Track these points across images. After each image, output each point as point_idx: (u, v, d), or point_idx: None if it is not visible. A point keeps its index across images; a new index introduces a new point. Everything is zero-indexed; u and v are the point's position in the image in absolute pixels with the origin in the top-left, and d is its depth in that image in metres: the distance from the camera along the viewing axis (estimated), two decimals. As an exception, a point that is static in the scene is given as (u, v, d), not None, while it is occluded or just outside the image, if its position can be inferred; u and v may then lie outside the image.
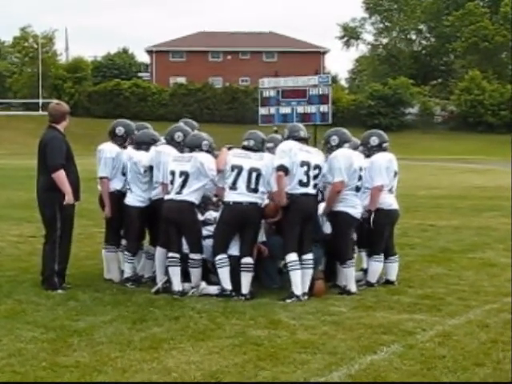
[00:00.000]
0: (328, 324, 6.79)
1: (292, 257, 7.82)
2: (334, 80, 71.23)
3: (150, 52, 73.89)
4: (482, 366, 5.61)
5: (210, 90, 66.66)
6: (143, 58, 78.72)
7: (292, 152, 7.87)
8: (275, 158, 7.92)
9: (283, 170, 7.79)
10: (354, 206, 8.19)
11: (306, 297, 7.82)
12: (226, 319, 6.92)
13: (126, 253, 8.66)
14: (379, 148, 8.63)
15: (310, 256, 7.94)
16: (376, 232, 8.50)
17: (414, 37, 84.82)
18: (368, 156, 8.56)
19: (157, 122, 19.96)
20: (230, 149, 8.36)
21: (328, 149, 8.37)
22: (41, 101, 64.04)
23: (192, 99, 65.48)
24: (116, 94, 66.35)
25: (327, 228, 8.41)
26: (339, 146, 8.28)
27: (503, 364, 5.68)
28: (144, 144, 8.65)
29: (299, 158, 7.88)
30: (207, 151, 8.19)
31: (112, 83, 67.01)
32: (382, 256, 8.56)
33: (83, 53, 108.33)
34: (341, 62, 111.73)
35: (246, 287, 7.87)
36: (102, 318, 6.95)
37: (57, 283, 8.11)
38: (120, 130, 8.90)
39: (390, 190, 8.59)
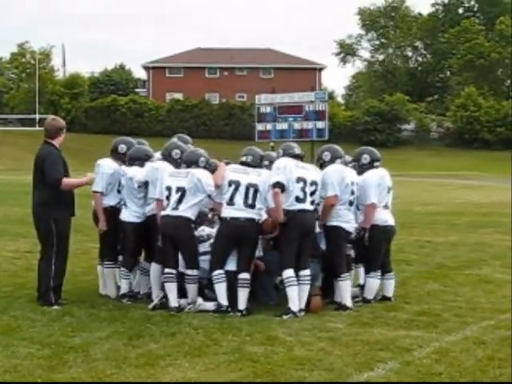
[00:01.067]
0: (325, 340, 6.77)
1: (289, 273, 7.81)
2: (331, 96, 71.43)
3: (146, 68, 74.07)
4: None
5: (206, 106, 66.76)
6: (140, 73, 78.96)
7: (287, 169, 7.89)
8: (271, 175, 7.93)
9: (279, 186, 7.80)
10: (347, 220, 8.23)
11: (302, 313, 7.81)
12: (223, 335, 6.90)
13: (122, 269, 8.64)
14: (371, 166, 8.64)
15: (307, 272, 7.93)
16: (372, 248, 8.50)
17: (410, 53, 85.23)
18: (360, 173, 8.58)
19: (153, 138, 19.99)
20: (227, 164, 8.38)
21: (320, 164, 8.44)
22: (38, 116, 64.08)
23: (188, 115, 65.57)
24: (113, 109, 66.42)
25: (324, 243, 8.42)
26: (331, 161, 8.36)
27: (500, 381, 5.66)
28: (138, 160, 8.65)
29: (295, 174, 7.90)
30: (204, 167, 8.20)
31: (109, 99, 67.09)
32: (378, 272, 8.55)
33: (80, 69, 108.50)
34: (337, 79, 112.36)
35: (242, 303, 7.86)
36: (98, 334, 6.92)
37: (52, 299, 8.08)
38: (122, 148, 8.91)
39: (385, 206, 8.59)
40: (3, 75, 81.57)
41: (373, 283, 8.54)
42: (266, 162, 8.61)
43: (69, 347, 6.46)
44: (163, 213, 8.09)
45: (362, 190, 8.43)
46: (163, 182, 8.19)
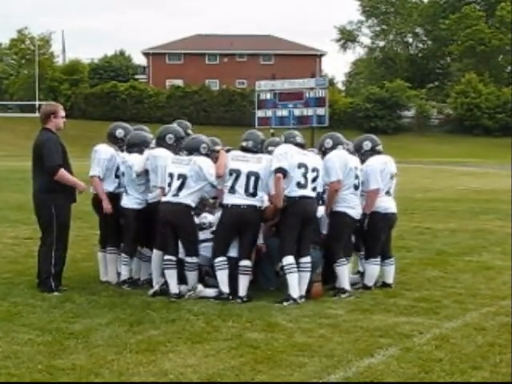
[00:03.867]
0: (325, 327, 6.77)
1: (289, 259, 7.80)
2: (331, 83, 71.28)
3: (146, 54, 73.90)
4: (479, 369, 5.60)
5: (206, 92, 66.64)
6: (140, 60, 78.75)
7: (288, 154, 7.87)
8: (273, 161, 7.91)
9: (282, 172, 7.78)
10: (353, 206, 8.22)
11: (303, 300, 7.81)
12: (223, 322, 6.91)
13: (122, 255, 8.64)
14: (373, 152, 8.63)
15: (307, 259, 7.91)
16: (372, 235, 8.51)
17: (410, 40, 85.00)
18: (362, 161, 8.56)
19: (153, 124, 19.92)
20: (228, 151, 8.34)
21: (322, 152, 8.42)
22: (37, 103, 63.97)
23: (188, 102, 65.46)
24: (113, 96, 66.32)
25: (325, 229, 8.41)
26: (333, 148, 8.35)
27: (500, 367, 5.67)
28: (135, 146, 8.61)
29: (296, 160, 7.87)
30: (206, 154, 8.17)
31: (109, 85, 66.97)
32: (378, 259, 8.55)
33: (80, 55, 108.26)
34: (338, 65, 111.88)
35: (243, 290, 7.86)
36: (99, 320, 6.93)
37: (53, 285, 8.08)
38: (120, 133, 8.90)
39: (388, 193, 8.58)
40: (3, 61, 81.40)
41: (373, 270, 8.54)
42: (272, 148, 8.55)
43: (69, 333, 6.47)
44: (163, 199, 8.08)
45: (365, 176, 8.42)
46: (165, 170, 8.18)
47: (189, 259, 8.07)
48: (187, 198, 7.99)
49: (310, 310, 7.45)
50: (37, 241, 8.78)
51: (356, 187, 8.27)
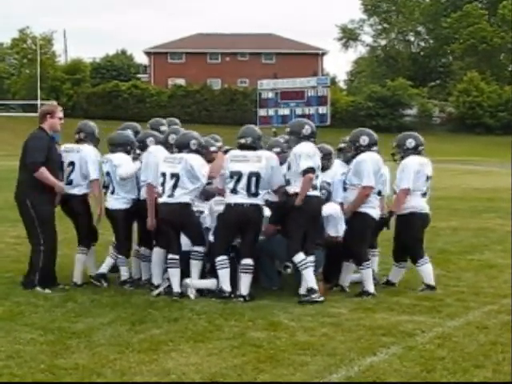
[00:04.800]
0: (327, 325, 6.77)
1: (301, 256, 7.75)
2: (333, 81, 71.19)
3: (148, 53, 73.84)
4: (481, 368, 5.60)
5: (208, 91, 66.61)
6: (142, 59, 78.69)
7: (316, 156, 7.86)
8: (300, 159, 7.78)
9: (313, 172, 7.74)
10: (374, 206, 8.21)
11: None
12: (225, 321, 6.90)
13: (119, 256, 8.60)
14: (415, 151, 8.54)
15: (312, 258, 7.89)
16: (412, 236, 8.45)
17: (412, 38, 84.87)
18: (402, 158, 8.51)
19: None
20: (226, 152, 8.29)
21: (356, 148, 8.30)
22: (39, 102, 63.94)
23: (190, 101, 65.42)
24: (114, 95, 66.28)
25: (330, 230, 8.36)
26: (369, 146, 8.26)
27: (502, 366, 5.66)
28: (119, 146, 8.55)
29: (318, 162, 7.90)
30: (196, 150, 8.07)
31: (110, 85, 66.93)
32: (426, 257, 8.47)
33: (82, 54, 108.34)
34: (339, 64, 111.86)
35: (245, 289, 7.85)
36: (101, 319, 6.93)
37: (35, 281, 8.10)
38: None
39: (424, 194, 8.50)
40: (4, 61, 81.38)
41: (427, 269, 8.43)
42: (277, 149, 8.50)
43: (71, 333, 6.47)
44: (160, 200, 8.04)
45: (399, 173, 8.38)
46: (155, 168, 8.17)
47: (196, 248, 8.06)
48: (183, 197, 7.95)
49: (312, 308, 7.45)
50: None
51: (379, 193, 8.29)
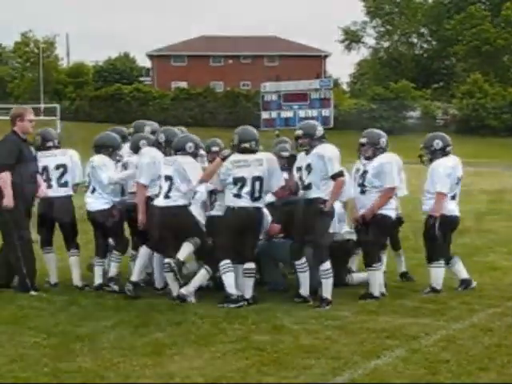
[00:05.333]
0: (331, 329, 6.76)
1: (328, 265, 7.75)
2: (336, 84, 71.20)
3: (151, 56, 73.92)
4: (486, 371, 5.58)
5: (211, 94, 66.65)
6: (144, 62, 78.80)
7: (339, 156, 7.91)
8: (332, 162, 7.71)
9: (343, 175, 7.82)
10: (393, 208, 8.34)
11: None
12: (229, 324, 6.89)
13: (114, 252, 8.56)
14: (443, 152, 8.53)
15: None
16: (436, 238, 8.47)
17: (415, 40, 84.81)
18: (431, 160, 8.51)
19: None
20: (224, 159, 7.92)
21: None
22: (42, 106, 64.06)
23: (193, 104, 65.47)
24: (117, 98, 66.32)
25: (335, 227, 8.34)
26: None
27: (507, 368, 5.64)
28: (102, 148, 8.55)
29: None
30: (192, 153, 8.00)
31: (113, 88, 66.95)
32: (442, 261, 8.46)
33: (84, 57, 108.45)
34: (342, 66, 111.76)
35: (248, 292, 7.83)
36: (104, 323, 6.93)
37: (29, 285, 8.10)
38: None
39: (453, 197, 8.51)
40: (7, 64, 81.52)
41: (438, 272, 8.43)
42: (285, 154, 8.44)
43: (75, 336, 6.47)
44: (156, 203, 7.98)
45: (431, 177, 8.41)
46: (150, 168, 8.18)
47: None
48: (179, 199, 7.90)
49: (315, 311, 7.45)
50: (38, 244, 8.81)
51: (396, 194, 8.38)
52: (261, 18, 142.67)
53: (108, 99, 66.30)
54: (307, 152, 7.86)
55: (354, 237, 8.61)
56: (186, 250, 7.87)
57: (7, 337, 6.46)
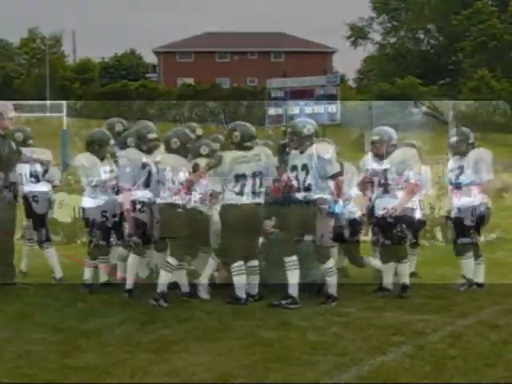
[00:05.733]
0: (337, 325, 6.76)
1: (331, 262, 7.85)
2: (342, 80, 71.07)
3: (157, 53, 73.93)
4: (492, 367, 5.57)
5: (217, 90, 66.60)
6: (151, 58, 78.78)
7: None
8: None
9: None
10: (418, 206, 8.60)
11: None
12: (235, 320, 6.90)
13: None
14: (473, 145, 8.75)
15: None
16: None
17: (421, 36, 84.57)
18: (463, 153, 8.63)
19: (164, 123, 19.95)
20: (210, 169, 7.84)
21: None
22: (49, 102, 64.08)
23: (200, 100, 65.43)
24: (124, 95, 66.38)
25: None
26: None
27: (515, 365, 5.63)
28: (89, 145, 8.40)
29: None
30: (176, 150, 7.86)
31: (119, 84, 67.01)
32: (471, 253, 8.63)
33: (91, 54, 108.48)
34: (348, 62, 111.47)
35: (253, 289, 7.84)
36: (111, 319, 6.94)
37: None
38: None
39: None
40: (13, 61, 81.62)
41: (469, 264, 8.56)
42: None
43: (82, 332, 6.48)
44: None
45: (476, 165, 8.50)
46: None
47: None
48: (169, 197, 7.80)
49: (322, 308, 7.44)
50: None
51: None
52: (267, 13, 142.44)
53: (114, 95, 66.34)
54: (302, 151, 7.79)
55: (356, 215, 8.55)
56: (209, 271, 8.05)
57: (14, 333, 6.48)
